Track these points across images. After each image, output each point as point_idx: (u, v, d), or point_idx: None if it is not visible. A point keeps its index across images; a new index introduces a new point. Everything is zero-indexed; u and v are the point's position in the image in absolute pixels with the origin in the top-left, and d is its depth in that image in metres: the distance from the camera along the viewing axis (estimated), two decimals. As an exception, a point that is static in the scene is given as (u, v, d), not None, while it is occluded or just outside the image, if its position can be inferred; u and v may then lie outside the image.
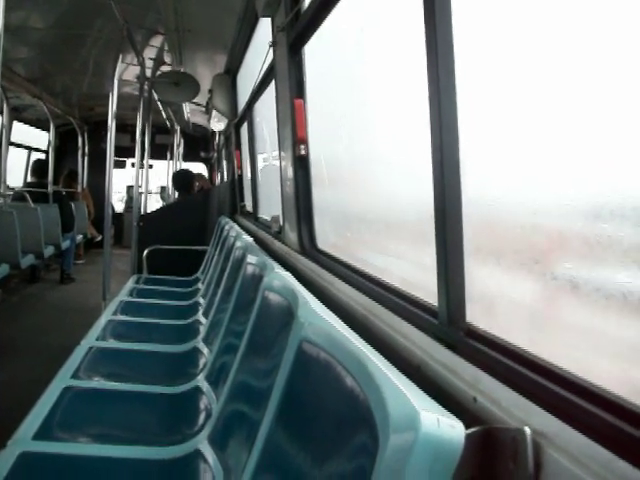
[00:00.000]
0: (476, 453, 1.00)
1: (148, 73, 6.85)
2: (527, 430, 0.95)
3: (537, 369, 1.09)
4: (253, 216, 5.89)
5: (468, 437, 0.95)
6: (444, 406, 1.01)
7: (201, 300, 4.69)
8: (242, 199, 7.10)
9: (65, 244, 8.76)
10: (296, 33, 2.95)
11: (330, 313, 1.70)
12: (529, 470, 0.93)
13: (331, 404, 1.29)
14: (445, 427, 0.92)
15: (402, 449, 0.92)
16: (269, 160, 5.23)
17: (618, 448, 0.84)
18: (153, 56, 6.60)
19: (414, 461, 0.90)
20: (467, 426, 0.97)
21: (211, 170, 13.45)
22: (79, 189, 10.95)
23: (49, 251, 8.12)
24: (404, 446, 0.92)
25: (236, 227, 4.99)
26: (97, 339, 3.48)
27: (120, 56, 5.46)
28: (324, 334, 1.45)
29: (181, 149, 12.87)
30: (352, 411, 1.15)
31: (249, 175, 6.17)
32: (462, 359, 1.27)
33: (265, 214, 5.26)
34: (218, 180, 11.28)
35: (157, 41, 6.08)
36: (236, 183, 7.23)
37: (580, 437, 0.90)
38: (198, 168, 12.85)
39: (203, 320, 3.98)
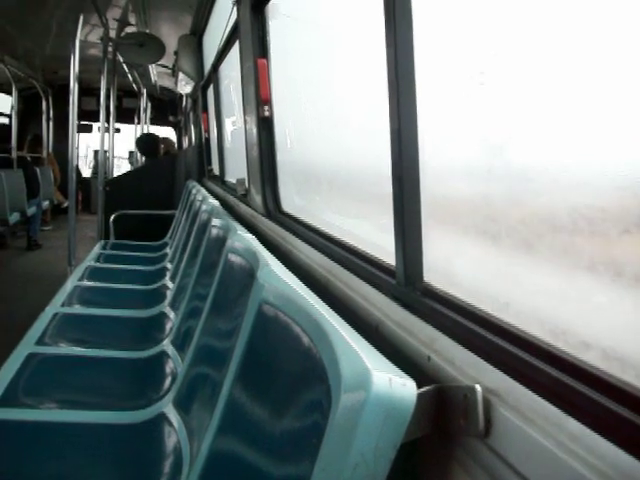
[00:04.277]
0: (429, 411, 1.00)
1: (112, 34, 6.69)
2: (478, 388, 0.96)
3: (490, 327, 1.09)
4: (220, 180, 5.83)
5: (420, 396, 0.95)
6: (399, 365, 1.01)
7: (168, 265, 4.66)
8: (209, 162, 7.02)
9: (31, 210, 8.64)
10: (259, -10, 2.89)
11: (291, 275, 1.69)
12: (479, 427, 0.94)
13: (289, 364, 1.29)
14: (397, 386, 0.92)
15: (353, 408, 0.92)
16: (237, 124, 5.17)
17: (568, 405, 0.85)
18: (117, 17, 6.44)
19: (365, 419, 0.90)
20: (420, 385, 0.97)
21: (180, 134, 13.28)
22: (44, 154, 10.77)
23: (14, 218, 8.01)
24: (355, 405, 0.92)
25: (203, 191, 4.94)
26: (62, 305, 3.45)
27: (82, 16, 5.31)
28: (282, 295, 1.44)
29: (148, 113, 12.68)
30: (308, 371, 1.15)
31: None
32: (418, 319, 1.27)
33: (232, 178, 5.21)
34: (186, 144, 11.14)
35: (121, 1, 5.93)
36: (203, 146, 7.14)
37: (530, 395, 0.90)
38: (167, 132, 12.72)
39: (170, 285, 3.96)
